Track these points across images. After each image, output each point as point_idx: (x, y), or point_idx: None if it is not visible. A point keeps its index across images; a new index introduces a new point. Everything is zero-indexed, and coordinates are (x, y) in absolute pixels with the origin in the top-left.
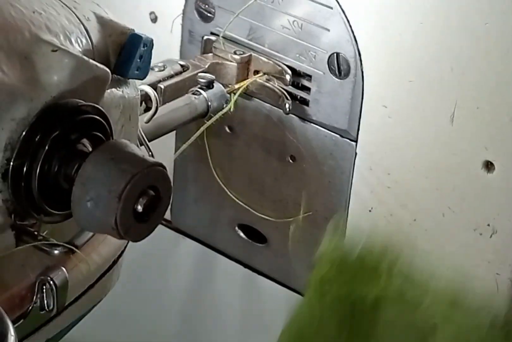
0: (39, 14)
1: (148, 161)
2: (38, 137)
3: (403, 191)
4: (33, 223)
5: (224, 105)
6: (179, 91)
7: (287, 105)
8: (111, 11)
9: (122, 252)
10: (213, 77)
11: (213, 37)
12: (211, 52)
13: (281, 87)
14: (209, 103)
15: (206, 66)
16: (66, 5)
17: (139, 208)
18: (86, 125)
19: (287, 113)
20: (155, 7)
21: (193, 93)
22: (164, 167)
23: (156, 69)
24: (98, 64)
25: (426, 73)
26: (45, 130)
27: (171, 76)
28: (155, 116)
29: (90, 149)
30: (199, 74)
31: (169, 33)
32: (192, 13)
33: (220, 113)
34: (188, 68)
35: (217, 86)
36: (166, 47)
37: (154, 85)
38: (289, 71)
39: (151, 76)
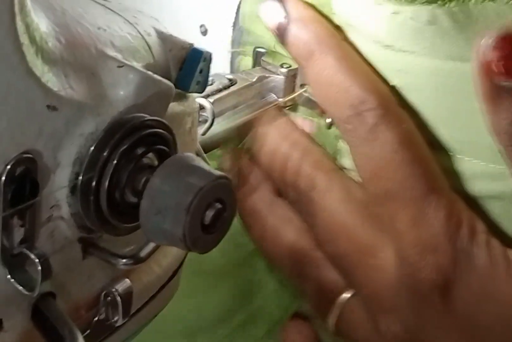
0: (104, 30)
1: (214, 175)
2: (106, 152)
3: None
4: (100, 236)
5: None
6: (227, 105)
7: (328, 120)
8: (162, 24)
9: (182, 263)
10: None
11: (262, 50)
12: (260, 65)
13: None
14: None
15: (254, 80)
16: (128, 21)
17: (206, 220)
18: (152, 139)
19: (329, 128)
20: (205, 20)
21: None
22: (229, 180)
23: None
24: (162, 79)
25: None
26: (113, 145)
27: (220, 90)
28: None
29: (156, 163)
30: None
31: (219, 46)
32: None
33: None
34: (236, 82)
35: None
36: (216, 60)
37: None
38: None
39: None
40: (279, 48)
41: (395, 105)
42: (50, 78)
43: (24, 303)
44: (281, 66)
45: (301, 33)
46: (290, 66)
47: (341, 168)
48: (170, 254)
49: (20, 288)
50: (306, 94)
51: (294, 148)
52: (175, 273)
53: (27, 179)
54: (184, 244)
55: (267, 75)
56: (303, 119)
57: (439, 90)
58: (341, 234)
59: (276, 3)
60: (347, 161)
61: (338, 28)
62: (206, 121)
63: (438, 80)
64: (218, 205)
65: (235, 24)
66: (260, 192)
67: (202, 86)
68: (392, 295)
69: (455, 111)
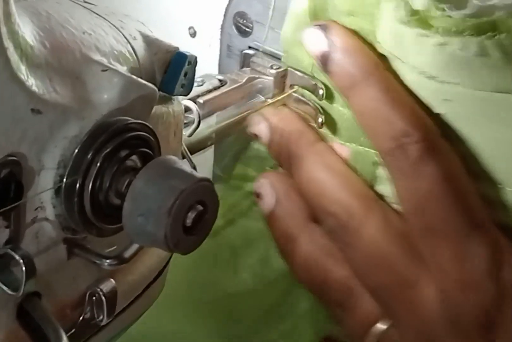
0: (89, 34)
1: (196, 177)
2: (89, 154)
3: None
4: (84, 237)
5: None
6: (217, 105)
7: (320, 120)
8: (151, 26)
9: (167, 262)
10: None
11: (251, 52)
12: (249, 66)
13: (315, 102)
14: None
15: (243, 81)
16: (113, 25)
17: (188, 222)
18: (135, 142)
19: (320, 128)
20: (194, 22)
21: None
22: (211, 182)
23: (195, 84)
24: (146, 83)
25: None
26: (96, 147)
27: (210, 91)
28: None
29: (140, 165)
30: None
31: (208, 47)
32: (231, 28)
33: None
34: (226, 83)
35: None
36: (205, 62)
37: (193, 100)
38: (323, 86)
39: None
40: (317, 74)
41: (439, 138)
42: (34, 82)
43: (9, 303)
44: (271, 67)
45: (345, 63)
46: (280, 68)
47: (380, 197)
48: (155, 254)
49: (5, 288)
50: (295, 95)
51: (332, 175)
52: (160, 272)
53: (12, 181)
54: (166, 245)
55: (256, 76)
56: (339, 145)
57: (486, 120)
58: (381, 265)
59: (320, 30)
60: (385, 188)
61: (381, 57)
62: (193, 122)
63: (484, 110)
64: (200, 207)
65: (223, 26)
66: (295, 216)
67: (187, 89)
68: (432, 329)
69: (503, 142)
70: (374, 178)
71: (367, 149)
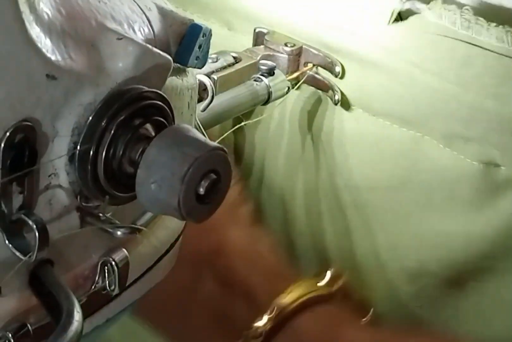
0: (104, 3)
1: (210, 146)
2: (103, 122)
3: None
4: (97, 205)
5: (285, 90)
6: (231, 82)
7: (336, 97)
8: None
9: (179, 236)
10: (274, 64)
11: (264, 30)
12: (262, 44)
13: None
14: (270, 90)
15: (258, 58)
16: None
17: (201, 190)
18: (149, 110)
19: (336, 104)
20: None
21: (255, 80)
22: (225, 151)
23: (210, 60)
24: (161, 52)
25: None
26: (111, 115)
27: (224, 68)
28: (210, 105)
29: (153, 134)
30: (261, 61)
31: None
32: None
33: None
34: (240, 60)
35: (278, 73)
36: None
37: (207, 76)
38: (339, 63)
39: (205, 67)
40: None
41: None
42: (50, 48)
43: (21, 269)
44: (285, 45)
45: None
46: (294, 45)
47: None
48: (168, 227)
49: (18, 253)
50: (310, 73)
51: None
52: (172, 245)
53: (26, 147)
54: (179, 213)
55: (271, 53)
56: None
57: None
58: None
59: None
60: None
61: None
62: (206, 98)
63: None
64: (213, 176)
65: None
66: None
67: (201, 62)
68: None
69: None
70: None
71: None
